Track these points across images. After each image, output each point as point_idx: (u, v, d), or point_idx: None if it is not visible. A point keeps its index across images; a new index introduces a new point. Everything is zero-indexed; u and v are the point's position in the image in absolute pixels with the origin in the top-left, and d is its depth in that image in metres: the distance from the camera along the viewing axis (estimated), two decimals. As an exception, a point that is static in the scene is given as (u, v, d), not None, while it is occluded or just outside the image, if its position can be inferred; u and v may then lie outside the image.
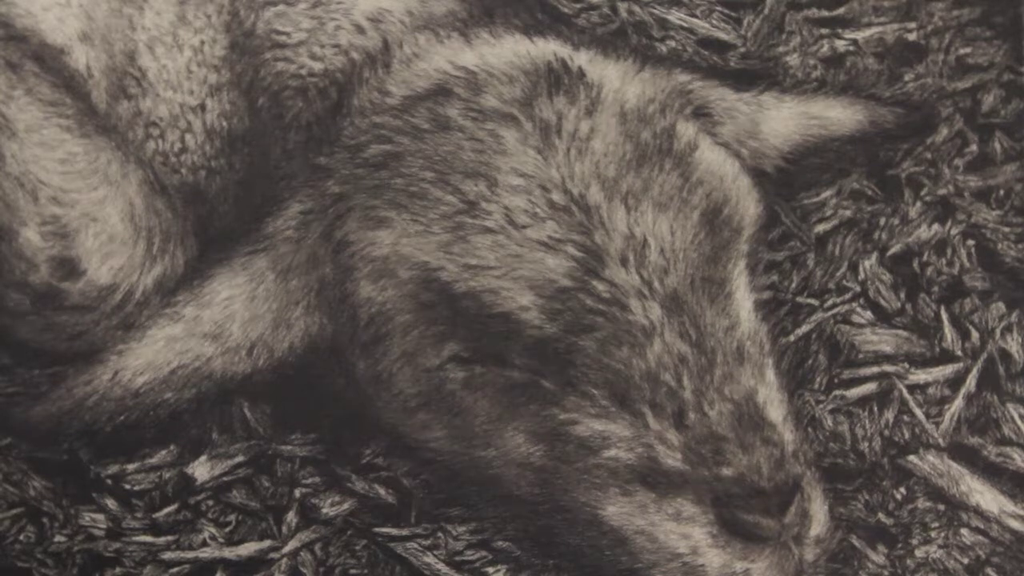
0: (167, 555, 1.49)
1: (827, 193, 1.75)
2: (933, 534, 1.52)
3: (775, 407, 1.37)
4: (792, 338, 1.65)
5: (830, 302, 1.68)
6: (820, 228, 1.74)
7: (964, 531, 1.52)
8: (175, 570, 1.48)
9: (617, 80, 1.50)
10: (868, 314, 1.67)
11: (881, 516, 1.52)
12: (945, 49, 1.86)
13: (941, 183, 1.77)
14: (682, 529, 1.33)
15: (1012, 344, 1.64)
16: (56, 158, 1.52)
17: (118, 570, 1.48)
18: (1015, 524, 1.52)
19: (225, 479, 1.54)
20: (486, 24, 1.60)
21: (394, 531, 1.51)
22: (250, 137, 1.65)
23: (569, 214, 1.38)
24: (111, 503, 1.52)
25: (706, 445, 1.33)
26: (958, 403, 1.60)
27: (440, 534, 1.51)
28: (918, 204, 1.75)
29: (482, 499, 1.48)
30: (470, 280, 1.38)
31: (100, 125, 1.57)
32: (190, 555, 1.49)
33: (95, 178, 1.53)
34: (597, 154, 1.42)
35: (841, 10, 1.90)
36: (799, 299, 1.69)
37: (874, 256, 1.71)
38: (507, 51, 1.53)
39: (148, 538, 1.50)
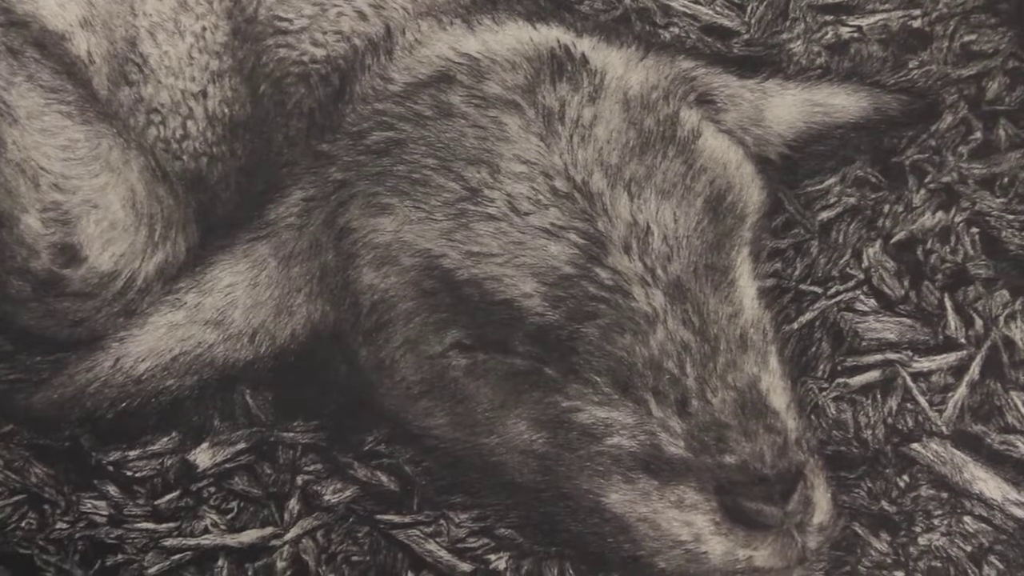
0: (169, 542, 1.49)
1: (831, 180, 1.75)
2: (936, 522, 1.51)
3: (778, 395, 1.37)
4: (795, 326, 1.65)
5: (834, 289, 1.68)
6: (824, 215, 1.73)
7: (967, 519, 1.52)
8: (177, 557, 1.48)
9: (620, 67, 1.49)
10: (872, 302, 1.67)
11: (884, 504, 1.52)
12: (950, 36, 1.86)
13: (945, 170, 1.76)
14: (685, 517, 1.33)
15: (1016, 332, 1.64)
16: (57, 145, 1.51)
17: (120, 557, 1.48)
18: (1018, 512, 1.51)
19: (227, 466, 1.54)
20: (489, 10, 1.59)
21: (396, 518, 1.51)
22: (252, 124, 1.64)
23: (572, 201, 1.38)
24: (113, 490, 1.52)
25: (709, 432, 1.32)
26: (961, 391, 1.60)
27: (442, 521, 1.51)
28: (922, 191, 1.75)
29: (484, 486, 1.48)
30: (472, 267, 1.38)
31: (101, 112, 1.57)
32: (192, 542, 1.49)
33: (96, 165, 1.52)
34: (600, 141, 1.41)
35: (845, -3, 1.89)
36: (803, 287, 1.69)
37: (878, 243, 1.71)
38: (510, 38, 1.52)
39: (150, 525, 1.50)
